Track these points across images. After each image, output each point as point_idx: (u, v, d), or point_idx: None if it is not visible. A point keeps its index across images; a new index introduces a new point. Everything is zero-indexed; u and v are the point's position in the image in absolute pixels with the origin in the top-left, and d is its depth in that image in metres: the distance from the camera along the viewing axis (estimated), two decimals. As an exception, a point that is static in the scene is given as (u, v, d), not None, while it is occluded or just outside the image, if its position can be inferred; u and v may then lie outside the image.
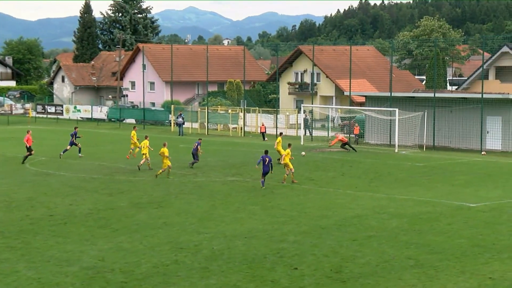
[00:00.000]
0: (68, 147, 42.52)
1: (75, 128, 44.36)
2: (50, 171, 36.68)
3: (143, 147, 37.23)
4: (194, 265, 18.58)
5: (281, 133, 43.93)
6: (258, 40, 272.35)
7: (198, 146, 38.01)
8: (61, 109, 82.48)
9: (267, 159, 30.88)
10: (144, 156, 36.93)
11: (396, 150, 47.46)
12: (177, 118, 62.24)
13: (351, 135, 54.68)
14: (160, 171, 34.23)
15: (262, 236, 21.82)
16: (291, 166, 32.52)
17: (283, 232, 22.48)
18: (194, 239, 21.48)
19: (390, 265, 18.63)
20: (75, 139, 42.57)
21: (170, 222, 23.93)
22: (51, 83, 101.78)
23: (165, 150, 34.07)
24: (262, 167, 30.93)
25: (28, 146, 39.69)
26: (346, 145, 47.04)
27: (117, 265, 18.59)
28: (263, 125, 57.54)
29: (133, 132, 42.16)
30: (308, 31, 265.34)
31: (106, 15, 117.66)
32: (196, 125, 64.52)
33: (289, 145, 34.31)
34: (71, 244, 20.79)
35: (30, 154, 39.85)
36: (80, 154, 42.12)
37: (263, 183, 31.00)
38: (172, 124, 65.76)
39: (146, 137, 38.28)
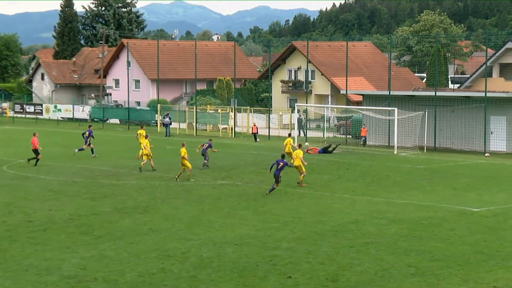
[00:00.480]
0: (86, 146, 43.29)
1: (89, 126, 45.15)
2: (29, 174, 36.57)
3: (144, 148, 37.47)
4: (182, 274, 18.55)
5: (289, 134, 43.84)
6: (249, 36, 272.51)
7: (209, 147, 38.40)
8: (41, 108, 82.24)
9: (281, 163, 30.25)
10: (150, 157, 37.47)
11: (395, 152, 47.53)
12: (164, 118, 62.17)
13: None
14: (189, 173, 34.38)
15: (254, 243, 21.81)
16: (303, 169, 32.41)
17: (276, 238, 22.46)
18: (181, 246, 21.45)
19: (389, 273, 18.65)
20: (90, 138, 43.40)
21: (156, 228, 23.89)
22: (30, 81, 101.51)
23: (182, 151, 34.27)
24: (274, 171, 30.43)
25: (35, 149, 39.53)
26: (328, 149, 47.02)
27: (100, 274, 18.53)
28: (254, 125, 57.57)
29: (141, 131, 42.89)
30: (302, 26, 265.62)
31: (88, 9, 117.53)
32: (184, 126, 64.45)
33: (300, 145, 34.32)
34: (50, 252, 20.72)
35: (37, 159, 39.54)
36: (93, 155, 43.13)
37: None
38: (159, 125, 65.68)
39: (146, 137, 38.73)
